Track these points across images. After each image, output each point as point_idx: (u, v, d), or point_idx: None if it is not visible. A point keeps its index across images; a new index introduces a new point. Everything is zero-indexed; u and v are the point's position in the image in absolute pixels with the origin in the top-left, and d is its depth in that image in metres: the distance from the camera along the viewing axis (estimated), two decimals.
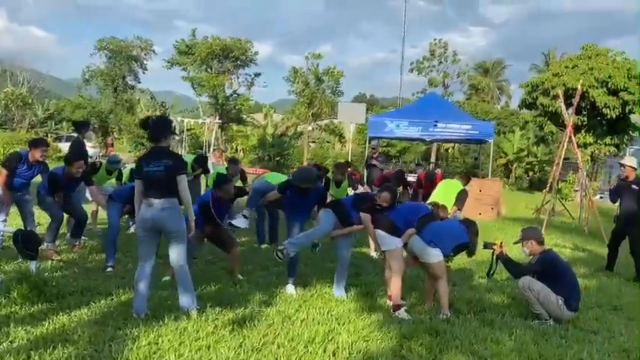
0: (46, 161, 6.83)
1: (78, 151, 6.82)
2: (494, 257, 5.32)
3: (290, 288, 5.53)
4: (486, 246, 5.34)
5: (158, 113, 36.26)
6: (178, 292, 4.52)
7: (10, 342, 3.70)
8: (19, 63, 40.94)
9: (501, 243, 5.32)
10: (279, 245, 5.43)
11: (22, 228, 6.29)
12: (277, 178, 8.13)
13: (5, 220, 6.76)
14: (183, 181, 4.47)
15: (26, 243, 5.17)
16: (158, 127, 4.57)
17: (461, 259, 6.54)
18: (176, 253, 4.50)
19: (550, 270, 5.08)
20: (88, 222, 7.47)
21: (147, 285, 4.48)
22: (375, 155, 12.89)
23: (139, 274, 4.48)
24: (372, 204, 5.44)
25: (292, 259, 5.47)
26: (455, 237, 5.13)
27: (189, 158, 8.84)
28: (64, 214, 6.94)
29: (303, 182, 5.53)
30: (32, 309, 4.36)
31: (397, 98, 35.28)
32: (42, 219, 7.61)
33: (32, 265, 5.28)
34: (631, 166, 7.63)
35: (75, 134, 8.05)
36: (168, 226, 4.43)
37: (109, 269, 6.00)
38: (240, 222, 6.09)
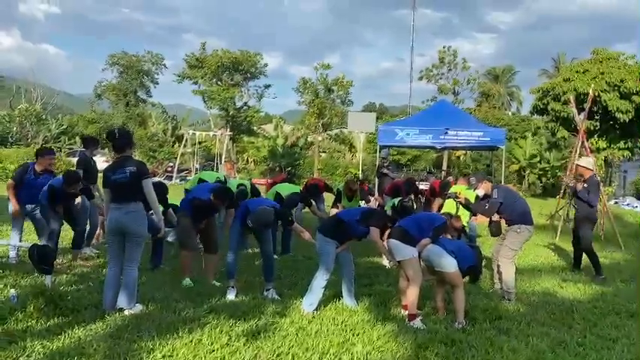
0: (54, 172, 6.99)
1: (75, 175, 6.81)
2: (458, 203, 7.14)
3: (272, 293, 5.71)
4: (450, 196, 7.28)
5: (170, 127, 36.66)
6: (121, 290, 4.81)
7: (27, 356, 3.73)
8: (32, 79, 41.56)
9: (460, 192, 7.01)
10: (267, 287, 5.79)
11: (37, 243, 6.38)
12: (288, 188, 8.15)
13: (21, 235, 6.84)
14: (147, 184, 4.88)
15: (41, 258, 5.24)
16: (122, 139, 4.98)
17: None
18: (131, 255, 4.87)
19: (508, 198, 5.99)
20: (97, 232, 7.74)
21: (115, 284, 4.87)
22: (385, 164, 12.88)
23: (109, 274, 4.93)
24: (384, 222, 5.38)
25: (267, 264, 5.81)
26: (470, 258, 5.13)
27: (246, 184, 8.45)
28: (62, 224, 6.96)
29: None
30: (48, 323, 4.39)
31: (407, 106, 35.25)
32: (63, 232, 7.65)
33: (47, 280, 5.33)
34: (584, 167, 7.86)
35: (82, 149, 8.08)
36: (130, 228, 4.79)
37: None
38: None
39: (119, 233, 4.87)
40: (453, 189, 7.84)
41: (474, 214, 7.57)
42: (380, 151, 14.86)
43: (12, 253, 6.72)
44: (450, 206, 7.66)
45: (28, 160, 9.73)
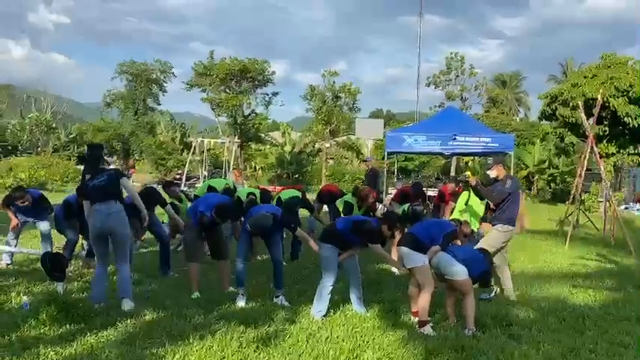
0: (47, 196, 7.56)
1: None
2: (470, 187, 6.68)
3: (282, 300, 5.73)
4: (461, 179, 7.13)
5: (178, 134, 36.89)
6: (119, 284, 5.22)
7: None
8: (42, 88, 42.02)
9: (470, 175, 6.53)
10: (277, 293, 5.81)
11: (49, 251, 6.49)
12: (289, 193, 8.23)
13: (17, 240, 7.23)
14: (127, 182, 5.43)
15: (54, 265, 5.30)
16: (94, 157, 5.56)
17: None
18: (121, 253, 5.23)
19: (515, 194, 5.86)
20: None
21: (103, 279, 5.38)
22: (368, 169, 12.81)
23: (97, 272, 5.36)
24: (377, 233, 5.27)
25: (277, 270, 5.82)
26: (480, 264, 5.12)
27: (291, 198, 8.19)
28: (80, 236, 7.24)
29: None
30: (60, 330, 4.43)
31: (414, 113, 35.22)
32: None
33: (59, 287, 5.39)
34: None
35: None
36: (115, 229, 5.09)
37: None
38: None
39: (103, 236, 5.17)
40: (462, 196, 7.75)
41: (481, 201, 7.47)
42: (387, 157, 14.89)
43: (5, 256, 7.09)
44: (462, 198, 7.58)
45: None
